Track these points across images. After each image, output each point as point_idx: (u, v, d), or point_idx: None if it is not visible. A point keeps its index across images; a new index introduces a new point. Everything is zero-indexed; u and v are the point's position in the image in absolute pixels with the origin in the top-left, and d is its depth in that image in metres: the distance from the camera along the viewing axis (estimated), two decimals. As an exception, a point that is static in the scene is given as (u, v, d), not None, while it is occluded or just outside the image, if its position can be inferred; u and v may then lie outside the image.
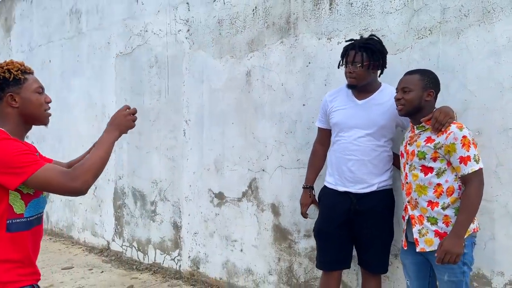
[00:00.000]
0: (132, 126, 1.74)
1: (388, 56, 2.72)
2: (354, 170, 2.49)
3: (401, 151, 2.33)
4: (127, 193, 4.61)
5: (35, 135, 6.08)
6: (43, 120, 1.71)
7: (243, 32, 3.55)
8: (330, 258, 2.59)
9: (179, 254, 4.08)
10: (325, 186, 2.67)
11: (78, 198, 5.25)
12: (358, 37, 2.84)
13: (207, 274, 3.83)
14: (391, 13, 2.77)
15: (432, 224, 2.14)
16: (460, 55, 2.50)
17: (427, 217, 2.15)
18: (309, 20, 3.16)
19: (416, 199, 2.20)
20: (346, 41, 2.62)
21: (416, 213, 2.20)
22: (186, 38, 3.99)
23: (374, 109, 2.50)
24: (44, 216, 5.83)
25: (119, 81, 4.70)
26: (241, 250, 3.58)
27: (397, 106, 2.25)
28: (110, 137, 1.64)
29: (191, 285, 3.83)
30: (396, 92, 2.26)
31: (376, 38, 2.55)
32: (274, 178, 3.36)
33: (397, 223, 2.62)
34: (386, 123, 2.49)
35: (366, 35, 2.83)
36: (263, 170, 3.43)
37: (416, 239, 2.18)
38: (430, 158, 2.12)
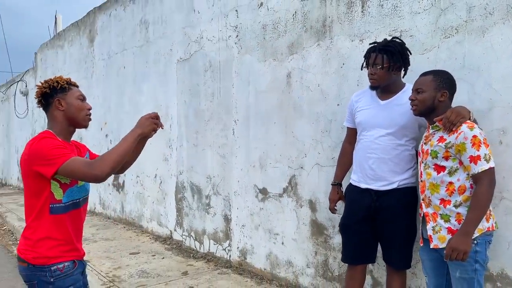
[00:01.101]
0: (154, 129, 1.91)
1: (415, 56, 2.78)
2: (375, 168, 2.59)
3: (419, 150, 2.39)
4: (186, 187, 5.02)
5: (113, 134, 6.78)
6: (83, 123, 2.02)
7: (284, 36, 3.74)
8: (353, 253, 2.72)
9: (229, 245, 4.38)
10: (350, 183, 2.79)
11: (147, 191, 5.81)
12: (388, 38, 2.91)
13: (253, 264, 4.09)
14: (419, 13, 2.79)
15: (445, 221, 2.18)
16: (485, 54, 2.47)
17: (440, 214, 2.20)
18: (343, 23, 3.26)
19: (429, 197, 2.25)
20: (370, 44, 2.70)
21: (430, 210, 2.25)
22: (235, 43, 4.26)
23: (396, 109, 2.57)
24: (119, 207, 6.51)
25: (179, 85, 5.12)
26: (282, 243, 3.78)
27: (411, 106, 2.31)
28: (131, 135, 1.84)
29: (239, 274, 4.11)
30: (411, 93, 2.32)
31: (398, 41, 2.62)
32: (311, 175, 3.52)
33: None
34: (407, 123, 2.54)
35: (395, 36, 2.90)
36: (302, 167, 3.59)
37: (430, 236, 2.24)
38: (442, 157, 2.17)
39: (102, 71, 7.08)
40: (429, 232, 2.24)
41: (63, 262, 1.89)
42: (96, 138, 7.35)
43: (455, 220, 2.16)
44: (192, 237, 4.92)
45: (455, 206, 2.15)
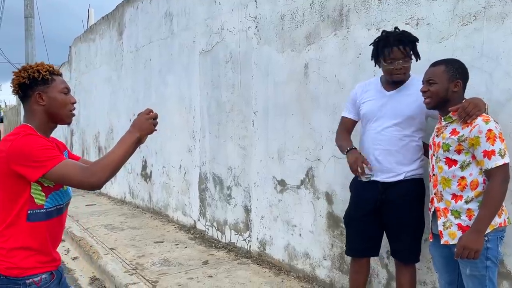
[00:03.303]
0: (152, 130, 1.72)
1: (432, 45, 2.71)
2: (381, 160, 2.54)
3: (429, 143, 2.32)
4: (208, 178, 5.09)
5: (140, 125, 6.93)
6: (66, 119, 1.79)
7: (302, 26, 3.69)
8: (357, 246, 2.69)
9: (249, 236, 4.42)
10: (355, 176, 2.73)
11: (172, 181, 5.92)
12: (405, 27, 2.82)
13: (272, 255, 4.11)
14: (436, 0, 2.68)
15: (455, 217, 2.12)
16: (505, 42, 2.35)
17: (451, 210, 2.13)
18: (360, 12, 3.18)
19: (441, 191, 2.18)
20: (377, 38, 2.60)
21: (441, 205, 2.18)
22: (255, 34, 4.25)
23: (402, 99, 2.51)
24: (147, 197, 6.68)
25: (202, 77, 5.17)
26: (300, 235, 3.77)
27: (424, 99, 2.23)
28: (130, 138, 1.66)
29: (258, 264, 4.14)
30: (422, 84, 2.24)
31: (404, 30, 2.56)
32: (328, 168, 3.48)
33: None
34: (413, 113, 2.48)
35: (412, 24, 2.81)
36: (319, 159, 3.56)
37: (441, 231, 2.17)
38: (454, 151, 2.09)
39: (131, 63, 7.23)
40: (440, 228, 2.18)
41: (39, 274, 1.68)
42: (126, 129, 7.50)
43: (466, 216, 2.09)
44: (214, 227, 4.99)
45: (466, 202, 2.08)
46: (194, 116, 5.34)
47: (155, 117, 1.72)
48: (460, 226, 2.10)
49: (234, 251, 4.55)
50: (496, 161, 1.98)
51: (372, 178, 2.55)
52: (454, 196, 2.12)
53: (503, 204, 2.08)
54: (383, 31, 2.61)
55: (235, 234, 4.63)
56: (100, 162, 1.61)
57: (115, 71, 7.88)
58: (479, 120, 2.02)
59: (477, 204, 2.07)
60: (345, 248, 2.86)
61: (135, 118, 1.73)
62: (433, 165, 2.25)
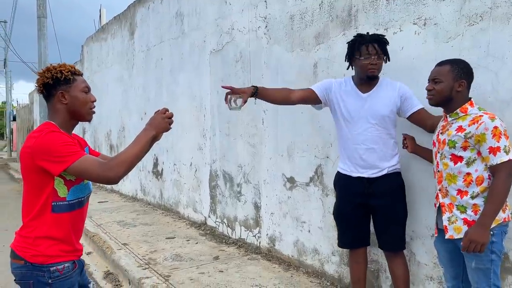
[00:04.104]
0: (168, 129, 1.80)
1: (439, 45, 2.76)
2: (366, 158, 2.72)
3: (433, 140, 2.37)
4: (219, 175, 5.18)
5: (152, 124, 7.04)
6: (86, 116, 1.90)
7: (311, 26, 3.76)
8: (349, 238, 2.86)
9: (259, 232, 4.50)
10: (338, 172, 2.91)
11: (183, 178, 6.02)
12: (413, 27, 2.89)
13: (281, 251, 4.18)
14: (443, 0, 2.73)
15: (461, 212, 2.17)
16: (510, 41, 2.39)
17: (456, 205, 2.19)
18: (368, 12, 3.24)
19: (446, 187, 2.23)
20: (354, 36, 2.78)
21: (446, 201, 2.24)
22: (264, 34, 4.32)
23: (377, 101, 2.70)
24: (158, 194, 6.79)
25: (212, 76, 5.25)
26: (309, 231, 3.84)
27: (427, 96, 2.29)
28: (146, 136, 1.74)
29: (268, 260, 4.22)
30: (428, 83, 2.30)
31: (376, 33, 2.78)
32: (337, 165, 3.51)
33: (427, 208, 2.64)
34: (388, 113, 2.70)
35: (420, 24, 2.87)
36: (327, 157, 3.62)
37: (446, 226, 2.23)
38: (460, 147, 2.14)
39: (142, 63, 7.34)
40: (445, 223, 2.23)
41: (63, 263, 1.78)
42: (137, 128, 7.65)
43: (472, 211, 2.15)
44: (225, 223, 5.08)
45: (472, 197, 2.14)
46: (204, 114, 5.43)
47: (170, 116, 1.81)
48: (466, 221, 2.15)
49: (244, 247, 4.64)
50: (501, 157, 2.04)
51: (358, 175, 2.74)
52: (460, 191, 2.17)
53: (507, 199, 2.14)
54: (358, 34, 2.80)
55: (245, 231, 4.72)
56: (117, 158, 1.70)
57: (127, 70, 8.00)
58: (485, 117, 2.09)
59: (483, 199, 2.12)
60: (337, 241, 3.01)
61: (152, 116, 1.82)
62: (437, 162, 2.30)
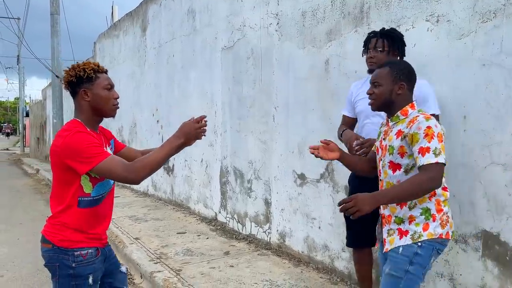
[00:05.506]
0: (199, 138, 1.84)
1: (452, 42, 2.75)
2: None
3: (377, 146, 2.21)
4: (229, 171, 5.21)
5: (163, 120, 7.11)
6: (110, 112, 1.96)
7: (323, 23, 3.76)
8: (355, 237, 2.84)
9: (269, 228, 4.53)
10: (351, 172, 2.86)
11: (194, 174, 6.07)
12: (425, 24, 2.89)
13: (291, 247, 4.21)
14: (457, -4, 2.72)
15: (397, 224, 2.02)
16: (524, 38, 2.38)
17: (395, 217, 2.03)
18: (380, 9, 3.24)
19: None
20: (369, 33, 2.74)
21: (386, 212, 2.09)
22: (276, 30, 4.33)
23: None
24: (169, 189, 6.84)
25: (224, 72, 5.28)
26: (319, 227, 3.86)
27: (369, 101, 2.15)
28: (174, 143, 1.80)
29: (278, 256, 4.25)
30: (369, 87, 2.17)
31: (397, 31, 2.70)
32: (347, 162, 3.55)
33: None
34: None
35: (433, 21, 2.86)
36: (338, 153, 3.63)
37: (385, 239, 2.07)
38: (398, 153, 2.00)
39: (154, 59, 7.40)
40: (384, 235, 2.07)
41: (86, 249, 1.89)
42: (149, 124, 7.73)
43: (408, 222, 1.99)
44: (235, 219, 5.12)
45: (410, 208, 1.98)
46: (216, 111, 5.47)
47: (204, 126, 1.85)
48: (399, 231, 2.00)
49: (255, 242, 4.67)
50: (428, 159, 1.87)
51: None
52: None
53: (450, 216, 2.01)
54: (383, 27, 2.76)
55: (255, 226, 4.75)
56: (142, 160, 1.78)
57: (139, 66, 8.07)
58: (420, 117, 1.95)
59: (420, 211, 1.97)
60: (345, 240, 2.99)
61: (184, 123, 1.85)
62: (379, 170, 2.16)
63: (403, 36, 2.68)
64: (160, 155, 1.78)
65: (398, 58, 2.66)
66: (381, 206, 2.09)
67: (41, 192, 9.97)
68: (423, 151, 1.89)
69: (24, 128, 30.29)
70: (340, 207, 1.87)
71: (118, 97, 1.99)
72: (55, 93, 13.43)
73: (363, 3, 3.38)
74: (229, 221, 5.26)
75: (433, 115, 2.44)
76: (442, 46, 2.80)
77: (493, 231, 2.55)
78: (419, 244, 1.93)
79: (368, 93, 2.14)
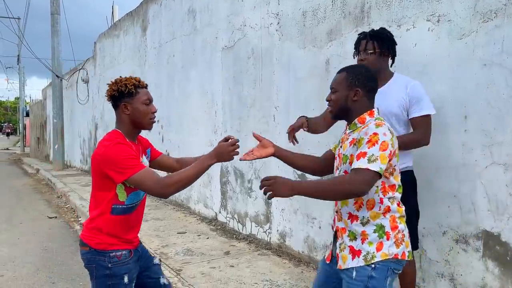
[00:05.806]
0: (231, 159, 1.99)
1: (453, 42, 2.74)
2: None
3: (336, 155, 2.08)
4: (230, 171, 5.21)
5: (164, 120, 7.10)
6: (147, 126, 2.08)
7: (323, 23, 3.76)
8: None
9: (269, 228, 4.53)
10: None
11: (194, 174, 6.06)
12: (426, 23, 2.89)
13: (292, 247, 4.20)
14: (458, -4, 2.72)
15: (350, 239, 1.88)
16: (525, 38, 2.38)
17: (348, 231, 1.90)
18: (381, 9, 3.24)
19: (340, 209, 1.95)
20: (359, 34, 2.72)
21: (340, 225, 1.95)
22: (276, 30, 4.33)
23: (388, 97, 2.54)
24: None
25: (224, 72, 5.28)
26: (320, 227, 3.86)
27: (328, 108, 2.08)
28: (206, 162, 1.94)
29: (278, 255, 4.25)
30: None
31: (386, 30, 2.67)
32: (348, 162, 3.55)
33: (438, 205, 2.64)
34: (398, 111, 2.54)
35: (433, 21, 2.86)
36: (339, 153, 3.63)
37: (338, 254, 1.93)
38: (349, 163, 1.86)
39: (154, 59, 7.40)
40: (337, 250, 1.93)
41: (121, 251, 2.01)
42: (149, 123, 7.72)
43: (360, 240, 1.84)
44: (235, 219, 5.12)
45: (362, 224, 1.85)
46: (216, 111, 5.46)
47: (237, 148, 1.99)
48: (351, 249, 1.86)
49: (255, 242, 4.67)
50: (360, 163, 1.73)
51: None
52: (351, 215, 1.89)
53: (406, 234, 1.88)
54: (372, 29, 2.75)
55: (256, 226, 4.75)
56: (174, 176, 1.89)
57: (139, 66, 8.07)
58: (371, 124, 1.84)
59: (373, 228, 1.84)
60: None
61: (220, 144, 1.98)
62: None
63: (393, 35, 2.67)
64: (191, 174, 1.89)
65: (390, 58, 2.66)
66: (336, 218, 1.99)
67: (41, 192, 9.97)
68: (359, 155, 1.76)
69: (24, 128, 30.30)
70: (261, 184, 1.81)
71: (155, 111, 2.09)
72: (55, 93, 13.47)
73: (363, 3, 3.38)
74: (229, 221, 5.25)
75: (427, 115, 2.51)
76: (443, 46, 2.80)
77: (494, 231, 2.55)
78: (373, 266, 1.81)
79: (326, 100, 2.04)
